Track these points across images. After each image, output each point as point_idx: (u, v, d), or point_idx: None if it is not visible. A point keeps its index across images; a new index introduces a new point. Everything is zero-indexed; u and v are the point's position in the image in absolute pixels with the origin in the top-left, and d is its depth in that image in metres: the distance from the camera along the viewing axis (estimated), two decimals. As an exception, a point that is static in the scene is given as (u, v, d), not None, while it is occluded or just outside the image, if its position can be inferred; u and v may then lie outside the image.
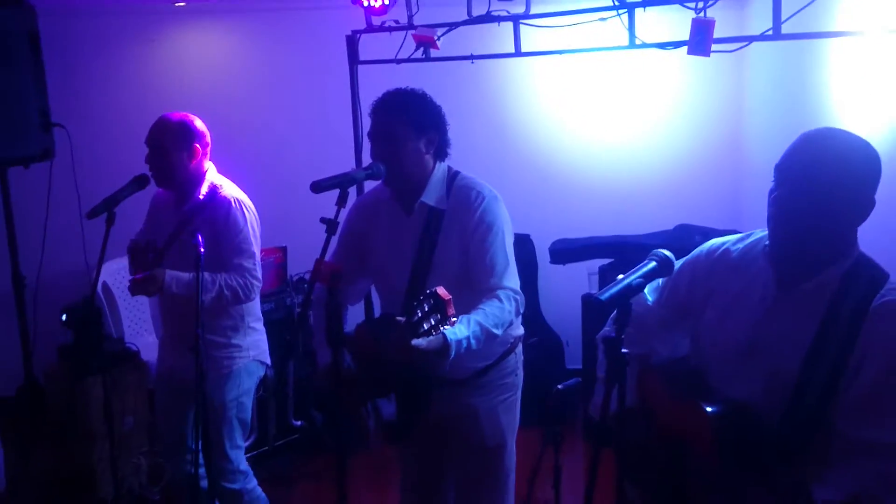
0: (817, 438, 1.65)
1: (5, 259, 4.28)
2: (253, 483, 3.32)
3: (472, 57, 3.76)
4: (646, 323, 2.02)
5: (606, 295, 1.66)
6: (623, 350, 1.65)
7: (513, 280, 2.49)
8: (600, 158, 5.13)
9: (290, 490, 4.23)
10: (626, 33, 3.15)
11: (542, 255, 5.04)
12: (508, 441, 2.66)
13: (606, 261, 4.53)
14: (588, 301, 1.71)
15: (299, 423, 4.60)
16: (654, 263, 1.75)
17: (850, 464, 1.59)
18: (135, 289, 3.02)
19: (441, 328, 2.05)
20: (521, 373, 2.73)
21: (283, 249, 4.48)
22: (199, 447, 2.84)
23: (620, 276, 1.71)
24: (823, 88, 3.93)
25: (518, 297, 2.47)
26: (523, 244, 5.10)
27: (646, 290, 2.02)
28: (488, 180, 2.64)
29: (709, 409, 1.70)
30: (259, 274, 3.13)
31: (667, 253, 1.77)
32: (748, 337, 1.79)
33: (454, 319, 2.05)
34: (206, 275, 2.92)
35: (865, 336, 1.63)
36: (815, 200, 1.65)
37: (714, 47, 2.78)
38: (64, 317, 4.11)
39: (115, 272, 4.66)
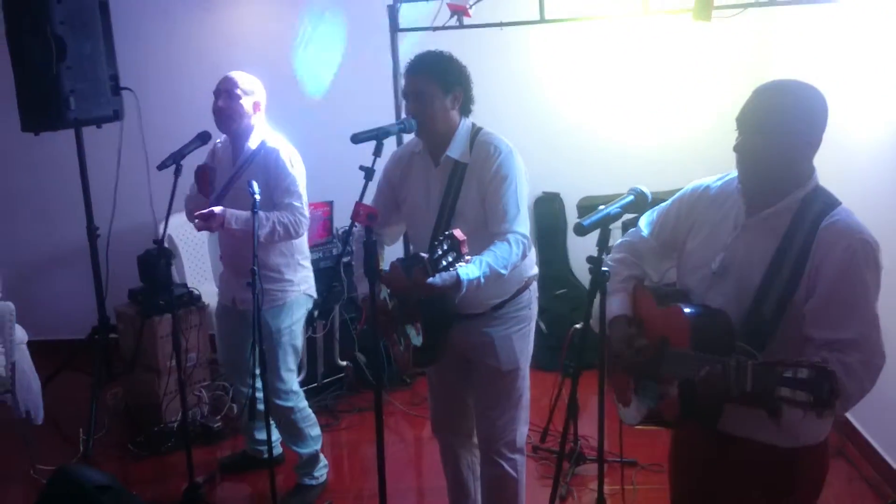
0: (773, 340, 1.97)
1: (80, 212, 4.74)
2: (304, 403, 3.76)
3: (501, 24, 4.07)
4: (640, 251, 2.36)
5: (588, 221, 2.01)
6: (603, 268, 1.99)
7: (523, 226, 2.79)
8: (627, 120, 5.32)
9: (336, 420, 4.64)
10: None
11: (571, 212, 5.34)
12: (522, 366, 2.99)
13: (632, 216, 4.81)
14: (575, 225, 2.02)
15: (345, 363, 5.02)
16: (631, 197, 2.09)
17: (816, 357, 1.88)
18: (200, 224, 3.43)
19: (457, 264, 2.39)
20: (535, 307, 3.05)
21: (330, 204, 4.86)
22: (258, 369, 3.23)
23: (601, 207, 2.05)
24: (841, 52, 4.16)
25: (525, 241, 2.76)
26: (552, 202, 5.42)
27: (642, 224, 2.35)
28: (517, 141, 2.90)
29: (687, 310, 2.04)
30: (307, 212, 3.53)
31: (643, 189, 2.10)
32: (721, 259, 2.11)
33: (468, 257, 2.39)
34: (261, 213, 3.29)
35: (814, 253, 1.95)
36: (768, 141, 1.97)
37: (715, 13, 3.04)
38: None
39: (178, 226, 5.05)
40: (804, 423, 1.95)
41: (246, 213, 3.34)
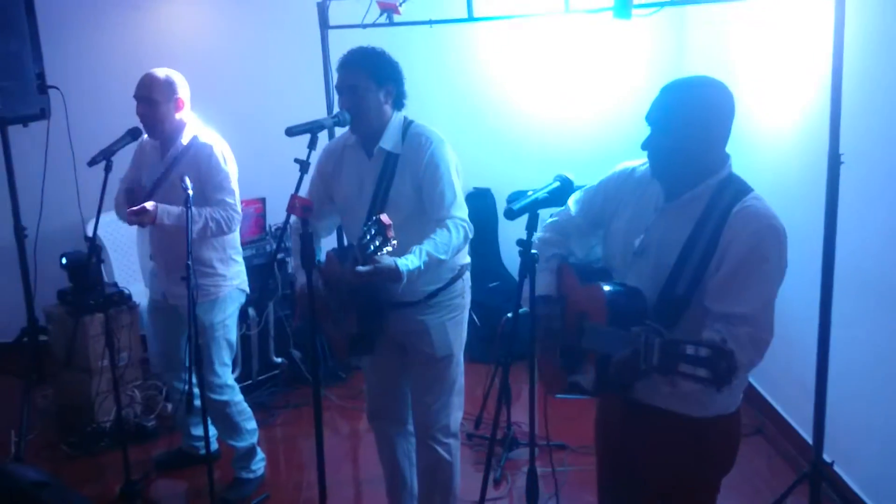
0: (684, 316, 2.10)
1: (7, 212, 4.66)
2: (239, 397, 3.78)
3: (430, 22, 4.16)
4: (566, 230, 2.47)
5: (518, 205, 2.11)
6: (532, 251, 2.09)
7: (461, 210, 2.88)
8: (555, 116, 5.50)
9: (272, 417, 4.67)
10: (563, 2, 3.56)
11: (502, 207, 5.46)
12: (456, 353, 3.08)
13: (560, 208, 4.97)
14: (505, 210, 2.12)
15: (280, 359, 5.04)
16: (557, 183, 2.20)
17: (711, 329, 2.03)
18: (132, 219, 3.43)
19: (384, 248, 2.46)
20: (468, 296, 3.14)
21: (263, 200, 4.89)
22: (191, 363, 3.25)
23: (530, 192, 2.15)
24: (752, 50, 4.37)
25: (465, 225, 2.86)
26: (484, 197, 5.54)
27: (570, 203, 2.46)
28: (449, 137, 2.98)
29: (605, 287, 2.15)
30: (239, 208, 3.56)
31: (568, 175, 2.21)
32: (641, 240, 2.23)
33: (394, 241, 2.46)
34: (193, 209, 3.30)
35: (725, 234, 2.08)
36: (674, 138, 2.09)
37: (634, 12, 3.18)
38: (63, 260, 4.47)
39: (106, 224, 4.99)
40: (709, 395, 2.10)
41: (178, 209, 3.35)
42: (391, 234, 2.45)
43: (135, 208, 3.41)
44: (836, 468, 3.42)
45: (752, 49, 4.44)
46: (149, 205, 3.40)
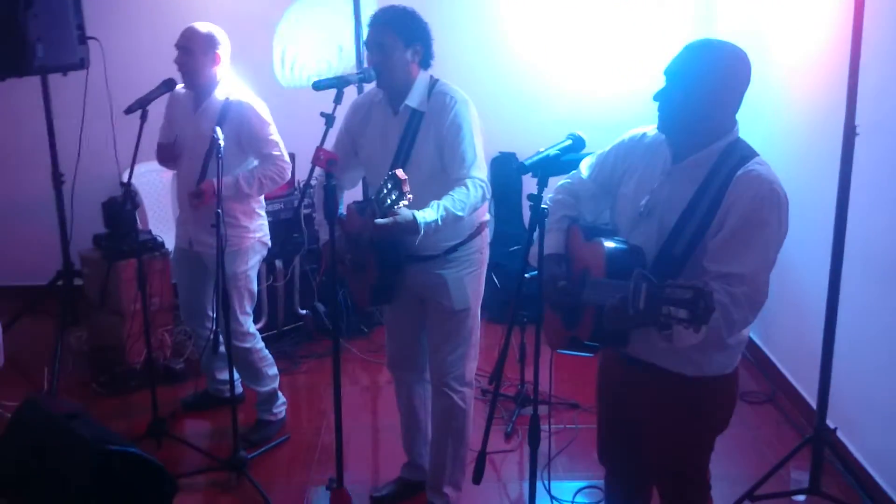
0: (682, 274, 2.18)
1: (45, 159, 4.83)
2: (260, 344, 3.94)
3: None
4: (578, 193, 2.54)
5: (529, 161, 2.20)
6: (542, 205, 2.18)
7: (480, 171, 2.97)
8: (582, 81, 5.54)
9: (295, 366, 4.83)
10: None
11: (527, 171, 5.53)
12: (473, 306, 3.18)
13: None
14: (517, 165, 2.21)
15: (304, 311, 5.19)
16: (569, 141, 2.28)
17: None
18: (193, 203, 3.60)
19: (400, 202, 2.57)
20: (486, 252, 3.24)
21: (292, 156, 4.97)
22: (219, 311, 3.39)
23: (541, 149, 2.24)
24: (777, 23, 4.38)
25: (483, 184, 2.94)
26: (508, 162, 5.61)
27: (582, 167, 2.54)
28: (475, 100, 3.05)
29: (606, 243, 2.24)
30: (286, 157, 3.72)
31: (580, 133, 2.29)
32: (647, 201, 2.30)
33: (410, 196, 2.56)
34: (246, 172, 3.51)
35: (728, 196, 2.15)
36: (686, 91, 2.15)
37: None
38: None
39: (141, 174, 5.14)
40: (706, 354, 2.20)
41: (229, 179, 3.48)
42: (406, 188, 2.55)
43: (193, 192, 3.58)
44: (840, 435, 3.50)
45: (776, 22, 4.46)
46: (205, 185, 3.55)
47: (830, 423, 3.36)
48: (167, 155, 3.77)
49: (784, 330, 4.42)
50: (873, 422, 3.45)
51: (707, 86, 2.15)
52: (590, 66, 5.53)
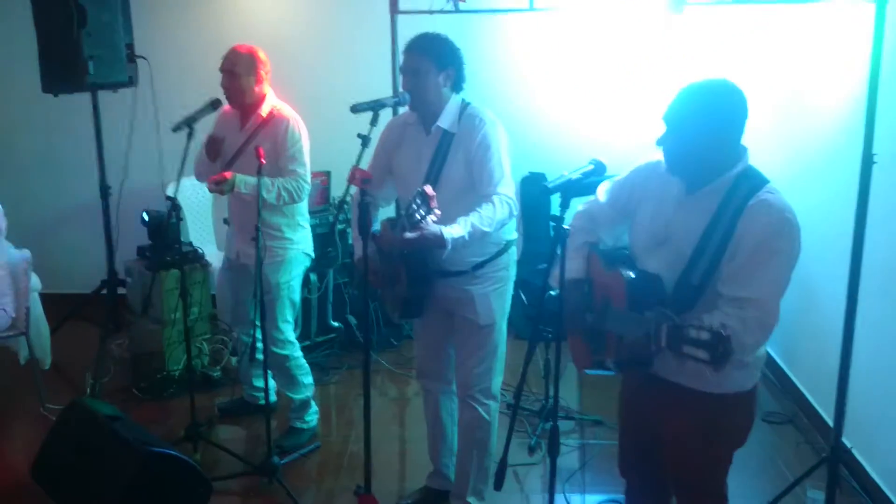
0: (700, 301, 2.28)
1: (94, 171, 5.04)
2: (299, 353, 4.09)
3: (493, 10, 4.37)
4: (597, 218, 2.66)
5: (553, 185, 2.33)
6: (564, 226, 2.30)
7: (507, 188, 3.08)
8: (612, 106, 5.64)
9: (327, 376, 4.97)
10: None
11: (556, 191, 5.63)
12: (499, 322, 3.29)
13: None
14: (541, 187, 2.34)
15: (337, 324, 5.34)
16: (591, 166, 2.40)
17: (721, 311, 2.21)
18: (212, 187, 3.74)
19: (428, 217, 2.71)
20: (513, 270, 3.35)
21: (328, 174, 5.16)
22: (258, 319, 3.54)
23: (565, 173, 2.36)
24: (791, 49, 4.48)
25: (510, 202, 3.05)
26: (537, 181, 5.70)
27: (600, 193, 2.65)
28: (506, 121, 3.18)
29: (627, 273, 2.35)
30: (309, 179, 3.86)
31: (601, 160, 2.41)
32: (663, 229, 2.41)
33: (438, 211, 2.70)
34: (267, 179, 3.62)
35: (741, 225, 2.25)
36: (686, 136, 2.27)
37: (687, 7, 3.34)
38: (145, 215, 4.79)
39: (185, 188, 5.31)
40: (724, 374, 2.29)
41: (254, 179, 3.64)
42: (434, 203, 2.69)
43: (216, 176, 3.72)
44: (857, 455, 3.56)
45: (790, 48, 4.56)
46: (228, 174, 3.71)
47: (847, 443, 3.42)
48: (212, 149, 3.90)
49: (805, 351, 4.49)
50: (889, 441, 3.50)
51: (706, 129, 2.26)
52: (619, 91, 5.62)
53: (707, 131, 2.26)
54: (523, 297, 5.27)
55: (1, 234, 4.31)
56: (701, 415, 2.45)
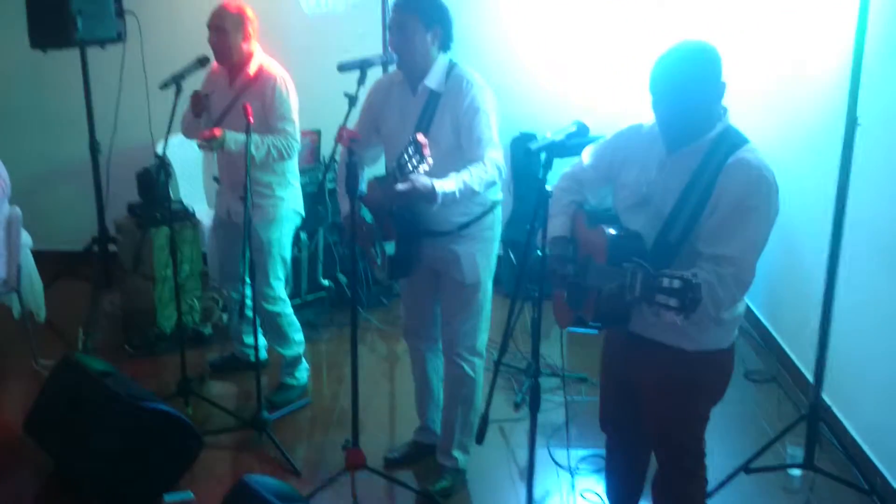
0: (678, 259, 2.32)
1: (83, 128, 5.03)
2: (289, 309, 4.14)
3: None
4: (581, 180, 2.69)
5: (536, 147, 2.35)
6: (546, 188, 2.33)
7: (496, 151, 3.11)
8: (603, 65, 5.62)
9: (317, 334, 5.03)
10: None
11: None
12: (484, 281, 3.33)
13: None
14: (522, 151, 2.37)
15: (327, 282, 5.38)
16: (574, 127, 2.42)
17: (699, 267, 2.24)
18: (202, 143, 3.75)
19: (420, 166, 2.73)
20: (498, 230, 3.37)
21: (318, 132, 5.17)
22: (248, 276, 3.57)
23: (548, 135, 2.38)
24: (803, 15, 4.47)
25: (500, 165, 3.09)
26: (529, 141, 5.69)
27: (584, 155, 2.69)
28: (497, 81, 3.20)
29: (608, 230, 2.39)
30: (298, 136, 3.87)
31: (583, 122, 2.43)
32: (646, 190, 2.45)
33: (430, 159, 2.72)
34: (256, 136, 3.62)
35: (720, 183, 2.29)
36: (671, 97, 2.30)
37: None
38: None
39: (175, 145, 5.28)
40: (702, 330, 2.34)
41: (243, 136, 3.65)
42: (427, 151, 2.71)
43: (205, 132, 3.72)
44: (837, 412, 3.64)
45: (779, 15, 4.57)
46: (217, 131, 3.71)
47: (828, 400, 3.49)
48: (196, 106, 3.90)
49: (788, 310, 4.55)
50: (869, 399, 3.57)
51: (689, 92, 2.29)
52: (611, 53, 5.60)
53: (692, 93, 2.29)
54: (512, 256, 5.32)
55: (5, 195, 4.31)
56: (678, 371, 2.51)
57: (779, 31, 4.65)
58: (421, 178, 2.83)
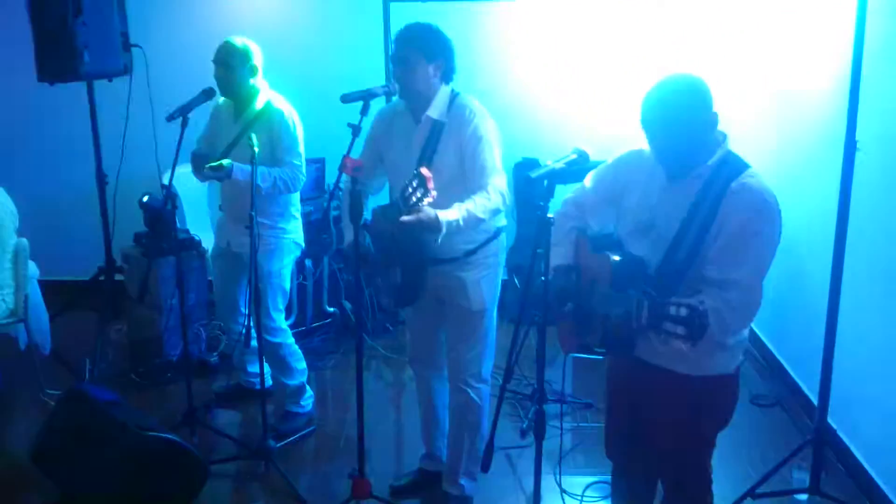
0: (683, 284, 2.34)
1: (90, 159, 5.07)
2: (291, 339, 4.15)
3: (485, -1, 4.41)
4: (583, 204, 2.72)
5: (535, 174, 2.39)
6: (548, 215, 2.35)
7: (499, 179, 3.14)
8: (605, 92, 5.67)
9: (323, 361, 5.04)
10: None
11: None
12: (489, 307, 3.35)
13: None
14: (524, 178, 2.40)
15: (332, 309, 5.40)
16: (574, 155, 2.46)
17: (706, 293, 2.26)
18: (209, 173, 3.79)
19: (424, 199, 2.75)
20: (503, 256, 3.40)
21: (322, 160, 5.21)
22: (246, 307, 3.60)
23: (548, 162, 2.41)
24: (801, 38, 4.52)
25: (503, 192, 3.11)
26: (531, 167, 5.74)
27: (587, 180, 2.71)
28: (501, 109, 3.24)
29: (612, 256, 2.41)
30: (304, 170, 3.92)
31: (584, 149, 2.47)
32: (648, 216, 2.47)
33: (434, 192, 2.75)
34: (264, 167, 3.66)
35: (723, 209, 2.31)
36: (668, 137, 2.34)
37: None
38: (145, 198, 4.79)
39: (181, 176, 5.31)
40: (707, 355, 2.35)
41: (250, 167, 3.68)
42: (431, 185, 2.73)
43: (213, 164, 3.76)
44: (843, 436, 3.63)
45: (777, 37, 4.62)
46: (225, 161, 3.75)
47: (833, 424, 3.48)
48: (201, 164, 3.95)
49: (793, 334, 4.56)
50: (875, 422, 3.57)
51: (681, 126, 2.33)
52: (611, 79, 5.66)
53: (681, 133, 2.33)
54: (517, 281, 5.33)
55: (14, 227, 4.34)
56: (684, 398, 2.51)
57: (777, 53, 4.69)
58: (425, 209, 2.85)
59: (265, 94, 3.92)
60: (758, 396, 4.45)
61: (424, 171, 2.74)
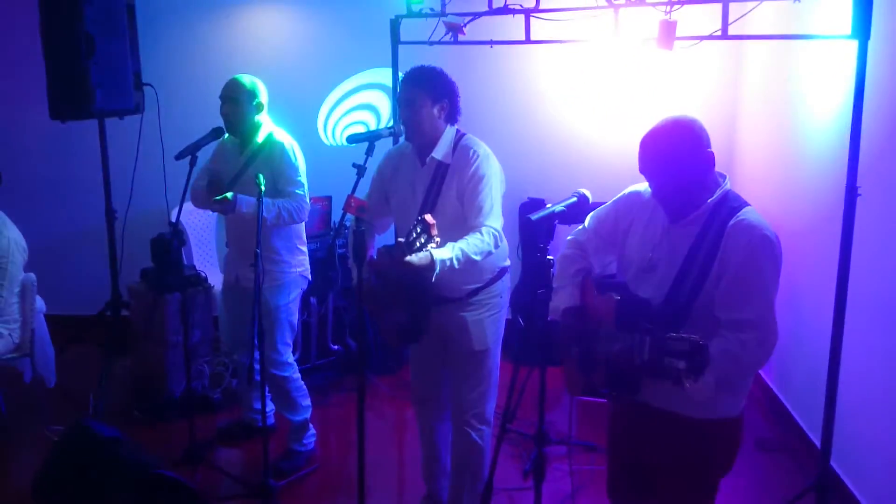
0: (687, 323, 2.35)
1: (100, 196, 5.13)
2: (297, 374, 4.17)
3: (491, 42, 4.46)
4: (585, 246, 2.74)
5: (536, 216, 2.41)
6: (548, 257, 2.38)
7: (495, 221, 3.17)
8: (607, 137, 5.72)
9: (325, 398, 5.03)
10: (616, 28, 3.81)
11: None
12: (492, 348, 3.37)
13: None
14: (525, 220, 2.42)
15: (336, 347, 5.41)
16: (574, 198, 2.49)
17: (720, 336, 2.28)
18: (214, 207, 3.84)
19: (428, 245, 2.78)
20: (506, 296, 3.43)
21: (328, 199, 5.26)
22: (256, 341, 3.61)
23: (549, 205, 2.44)
24: (803, 85, 4.56)
25: (497, 233, 3.14)
26: (537, 208, 5.75)
27: (587, 222, 2.74)
28: (506, 149, 3.28)
29: (616, 297, 2.42)
30: (308, 199, 3.95)
31: (584, 191, 2.49)
32: (650, 256, 2.49)
33: (438, 238, 2.77)
34: (267, 199, 3.70)
35: (722, 247, 2.34)
36: (659, 178, 2.39)
37: (677, 43, 3.42)
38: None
39: (189, 213, 5.44)
40: (715, 397, 2.35)
41: (255, 199, 3.72)
42: (434, 232, 2.76)
43: (217, 197, 3.80)
44: (846, 481, 3.59)
45: (779, 80, 4.66)
46: (229, 195, 3.79)
47: (837, 469, 3.46)
48: (213, 189, 4.00)
49: (797, 377, 4.54)
50: (880, 468, 3.54)
51: (676, 169, 2.37)
52: (616, 121, 5.71)
53: (678, 176, 2.37)
54: (520, 321, 5.33)
55: (24, 262, 4.41)
56: (688, 442, 2.50)
57: (780, 96, 4.73)
58: (419, 254, 2.86)
59: (267, 127, 3.98)
60: (763, 441, 4.42)
61: (428, 217, 2.77)
